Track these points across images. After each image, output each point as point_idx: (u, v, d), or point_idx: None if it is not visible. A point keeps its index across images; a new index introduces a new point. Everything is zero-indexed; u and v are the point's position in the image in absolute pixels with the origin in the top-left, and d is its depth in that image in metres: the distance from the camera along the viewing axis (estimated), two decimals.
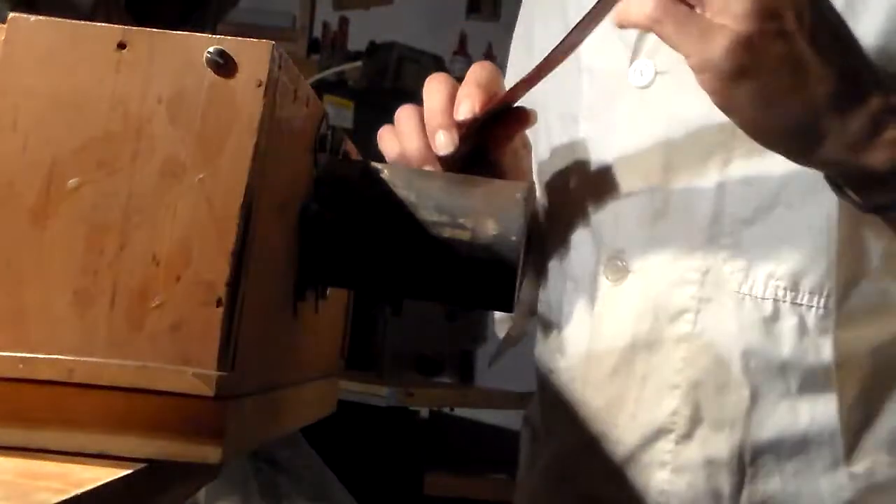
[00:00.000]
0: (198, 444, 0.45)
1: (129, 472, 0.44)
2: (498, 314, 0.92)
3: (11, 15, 0.47)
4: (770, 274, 0.75)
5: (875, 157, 0.59)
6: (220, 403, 0.45)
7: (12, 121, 0.46)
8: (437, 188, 0.58)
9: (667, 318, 0.78)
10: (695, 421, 0.78)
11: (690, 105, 0.76)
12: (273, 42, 0.47)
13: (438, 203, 0.57)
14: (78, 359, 0.45)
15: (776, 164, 0.73)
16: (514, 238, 0.56)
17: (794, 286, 0.75)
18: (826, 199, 0.69)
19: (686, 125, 0.78)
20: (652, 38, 0.80)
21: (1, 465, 0.43)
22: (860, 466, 0.69)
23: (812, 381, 0.76)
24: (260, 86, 0.47)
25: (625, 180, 0.81)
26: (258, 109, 0.46)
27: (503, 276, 0.57)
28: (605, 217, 0.82)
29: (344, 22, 2.89)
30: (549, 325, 0.90)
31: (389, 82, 2.63)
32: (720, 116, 0.74)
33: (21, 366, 0.45)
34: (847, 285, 0.72)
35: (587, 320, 0.83)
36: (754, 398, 0.76)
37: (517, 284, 0.57)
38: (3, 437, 0.45)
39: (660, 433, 0.78)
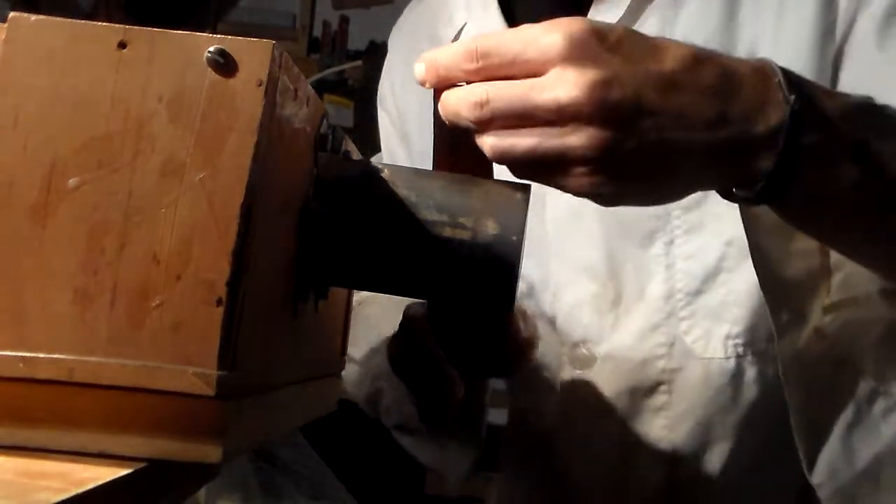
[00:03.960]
0: (198, 443, 0.45)
1: (129, 471, 0.44)
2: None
3: (12, 14, 0.47)
4: (727, 335, 0.81)
5: (763, 167, 0.54)
6: (220, 403, 0.45)
7: (13, 120, 0.46)
8: (438, 188, 0.58)
9: (643, 393, 0.84)
10: (685, 481, 0.84)
11: None
12: (274, 42, 0.47)
13: (439, 202, 0.57)
14: (78, 358, 0.45)
15: (714, 236, 0.80)
16: (514, 238, 0.56)
17: (751, 340, 0.81)
18: None
19: (618, 217, 0.82)
20: None
21: (1, 464, 0.43)
22: (821, 475, 0.70)
23: (777, 416, 0.79)
24: (260, 85, 0.46)
25: (571, 278, 0.86)
26: (258, 109, 0.46)
27: (503, 275, 0.56)
28: (561, 314, 0.87)
29: (344, 21, 2.89)
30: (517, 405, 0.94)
31: None
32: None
33: (21, 365, 0.45)
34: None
35: (554, 407, 0.88)
36: (736, 448, 0.82)
37: (517, 284, 0.57)
38: (3, 436, 0.45)
39: (651, 498, 0.84)
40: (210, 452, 0.45)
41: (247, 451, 0.77)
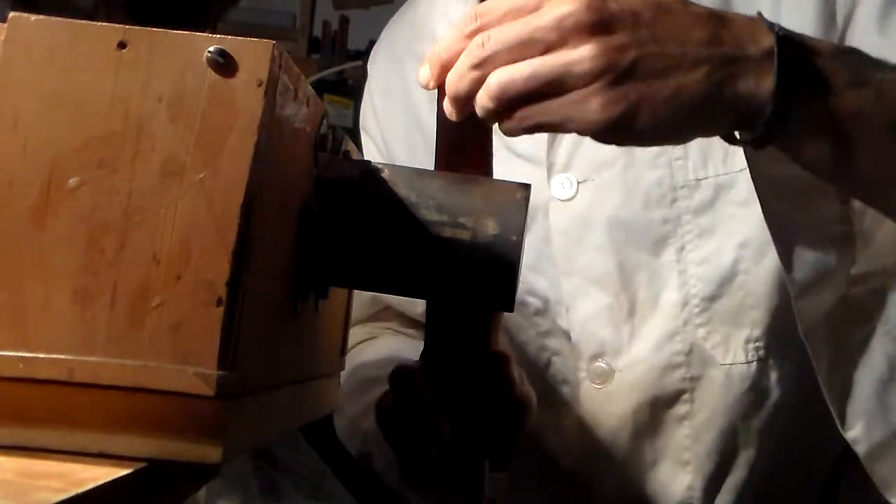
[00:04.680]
0: (198, 443, 0.45)
1: (129, 471, 0.44)
2: None
3: (12, 14, 0.47)
4: (747, 338, 0.80)
5: (762, 88, 0.55)
6: (220, 403, 0.45)
7: (13, 120, 0.46)
8: (438, 188, 0.58)
9: (664, 404, 0.83)
10: (711, 490, 0.82)
11: (623, 205, 0.80)
12: (273, 42, 0.47)
13: (439, 202, 0.57)
14: (78, 358, 0.45)
15: (727, 238, 0.79)
16: (514, 237, 0.56)
17: (772, 343, 0.80)
18: (774, 253, 0.68)
19: (626, 225, 0.81)
20: (561, 155, 0.83)
21: (1, 464, 0.43)
22: (856, 430, 0.70)
23: (801, 417, 0.80)
24: (260, 85, 0.46)
25: (582, 291, 0.84)
26: (258, 109, 0.46)
27: (503, 275, 0.57)
28: (575, 328, 0.85)
29: (344, 21, 2.89)
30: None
31: None
32: (659, 210, 0.80)
33: (21, 365, 0.45)
34: None
35: (575, 421, 0.86)
36: (760, 453, 0.81)
37: (517, 283, 0.57)
38: (3, 436, 0.45)
39: None
40: (210, 452, 0.45)
41: (247, 451, 0.77)
